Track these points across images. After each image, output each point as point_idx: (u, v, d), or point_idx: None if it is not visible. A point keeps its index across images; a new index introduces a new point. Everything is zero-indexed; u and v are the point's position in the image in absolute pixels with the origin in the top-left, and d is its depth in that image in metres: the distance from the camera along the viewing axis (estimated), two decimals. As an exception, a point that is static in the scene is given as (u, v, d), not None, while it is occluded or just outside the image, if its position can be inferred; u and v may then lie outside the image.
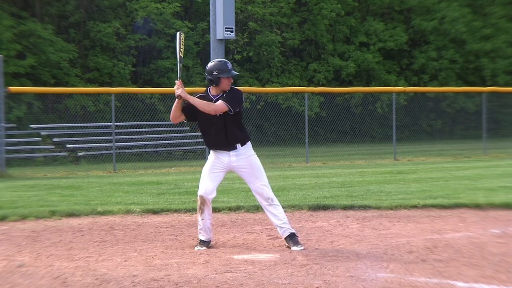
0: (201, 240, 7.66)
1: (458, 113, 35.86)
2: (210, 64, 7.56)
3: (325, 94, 28.43)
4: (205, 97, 7.55)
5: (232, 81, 7.56)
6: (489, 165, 18.89)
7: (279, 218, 7.55)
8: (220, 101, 7.42)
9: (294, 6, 37.19)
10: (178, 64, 7.62)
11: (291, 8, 36.99)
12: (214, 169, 7.57)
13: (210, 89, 7.57)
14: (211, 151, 7.65)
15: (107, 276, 6.24)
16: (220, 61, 7.58)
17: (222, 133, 7.45)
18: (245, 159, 7.54)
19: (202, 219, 7.60)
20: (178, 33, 7.75)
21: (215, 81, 7.45)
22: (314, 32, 37.48)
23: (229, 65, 7.53)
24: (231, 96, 7.47)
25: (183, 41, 7.70)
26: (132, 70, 31.41)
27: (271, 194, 7.56)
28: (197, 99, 7.45)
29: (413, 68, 40.31)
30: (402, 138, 28.76)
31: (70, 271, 6.47)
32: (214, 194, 7.62)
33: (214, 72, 7.43)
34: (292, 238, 7.51)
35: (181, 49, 7.65)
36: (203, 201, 7.58)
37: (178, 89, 7.41)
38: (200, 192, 7.59)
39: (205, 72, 7.63)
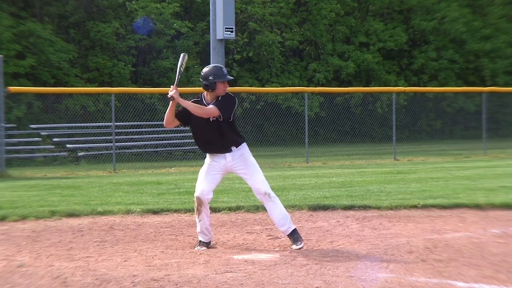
0: (200, 240, 7.67)
1: (458, 113, 35.86)
2: (205, 70, 7.56)
3: (325, 94, 28.43)
4: (199, 102, 7.57)
5: (228, 86, 7.59)
6: (489, 165, 18.88)
7: (278, 213, 7.53)
8: (212, 106, 7.43)
9: (293, 6, 37.18)
10: (177, 76, 7.64)
11: (291, 8, 36.98)
12: (211, 171, 7.61)
13: (205, 95, 7.59)
14: (207, 154, 7.69)
15: (107, 276, 6.23)
16: (215, 66, 7.64)
17: (217, 138, 7.47)
18: (239, 158, 7.56)
19: (199, 221, 7.61)
20: (182, 55, 7.76)
21: (210, 86, 7.45)
22: (314, 32, 37.48)
23: (224, 70, 7.61)
24: (224, 102, 7.48)
25: (185, 61, 7.73)
26: (132, 70, 31.41)
27: (268, 189, 7.54)
28: (190, 102, 7.47)
29: (413, 68, 40.29)
30: (402, 138, 28.76)
31: (70, 271, 6.47)
32: (210, 195, 7.65)
33: (210, 77, 7.44)
34: (293, 235, 7.52)
35: (182, 65, 7.68)
36: (200, 202, 7.59)
37: (171, 91, 7.44)
38: (196, 193, 7.63)
39: (200, 78, 7.64)
